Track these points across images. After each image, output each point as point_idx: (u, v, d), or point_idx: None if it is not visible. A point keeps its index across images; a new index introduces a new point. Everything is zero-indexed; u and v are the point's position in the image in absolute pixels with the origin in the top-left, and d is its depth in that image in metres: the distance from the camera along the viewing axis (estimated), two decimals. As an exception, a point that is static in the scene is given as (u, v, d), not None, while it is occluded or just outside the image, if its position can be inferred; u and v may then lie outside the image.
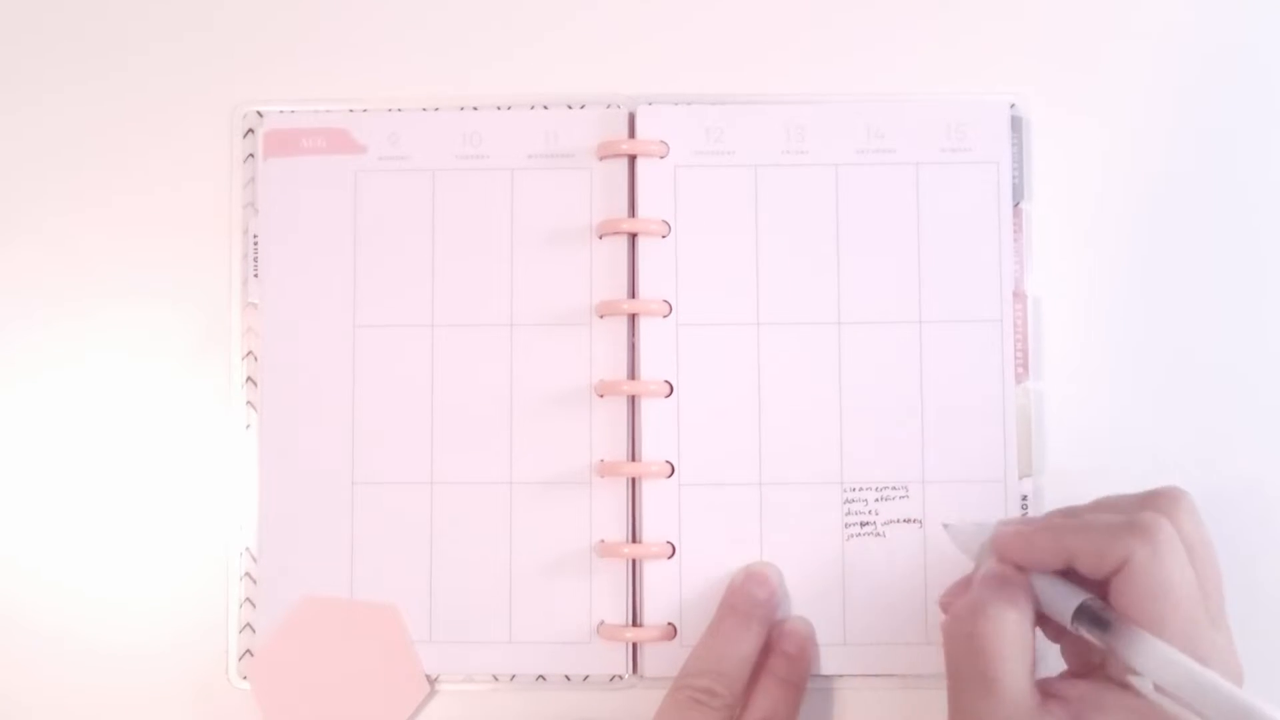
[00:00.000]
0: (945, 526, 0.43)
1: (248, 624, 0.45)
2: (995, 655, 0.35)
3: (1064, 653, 0.39)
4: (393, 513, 0.45)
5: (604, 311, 0.45)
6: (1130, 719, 0.34)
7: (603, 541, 0.45)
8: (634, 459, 0.45)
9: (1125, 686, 0.35)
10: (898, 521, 0.45)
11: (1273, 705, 0.31)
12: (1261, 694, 0.32)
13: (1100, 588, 0.36)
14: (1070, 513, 0.40)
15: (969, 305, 0.45)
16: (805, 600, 0.44)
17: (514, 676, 0.45)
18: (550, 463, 0.45)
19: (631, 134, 0.46)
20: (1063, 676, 0.38)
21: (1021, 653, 0.36)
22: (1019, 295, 0.45)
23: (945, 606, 0.41)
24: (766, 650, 0.43)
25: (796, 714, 0.43)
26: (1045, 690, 0.36)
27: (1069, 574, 0.37)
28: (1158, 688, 0.34)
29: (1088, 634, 0.36)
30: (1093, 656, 0.38)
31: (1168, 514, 0.37)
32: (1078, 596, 0.37)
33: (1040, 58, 0.47)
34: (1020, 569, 0.38)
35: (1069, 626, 0.37)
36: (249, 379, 0.46)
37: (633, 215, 0.46)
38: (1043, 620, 0.38)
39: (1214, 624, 0.36)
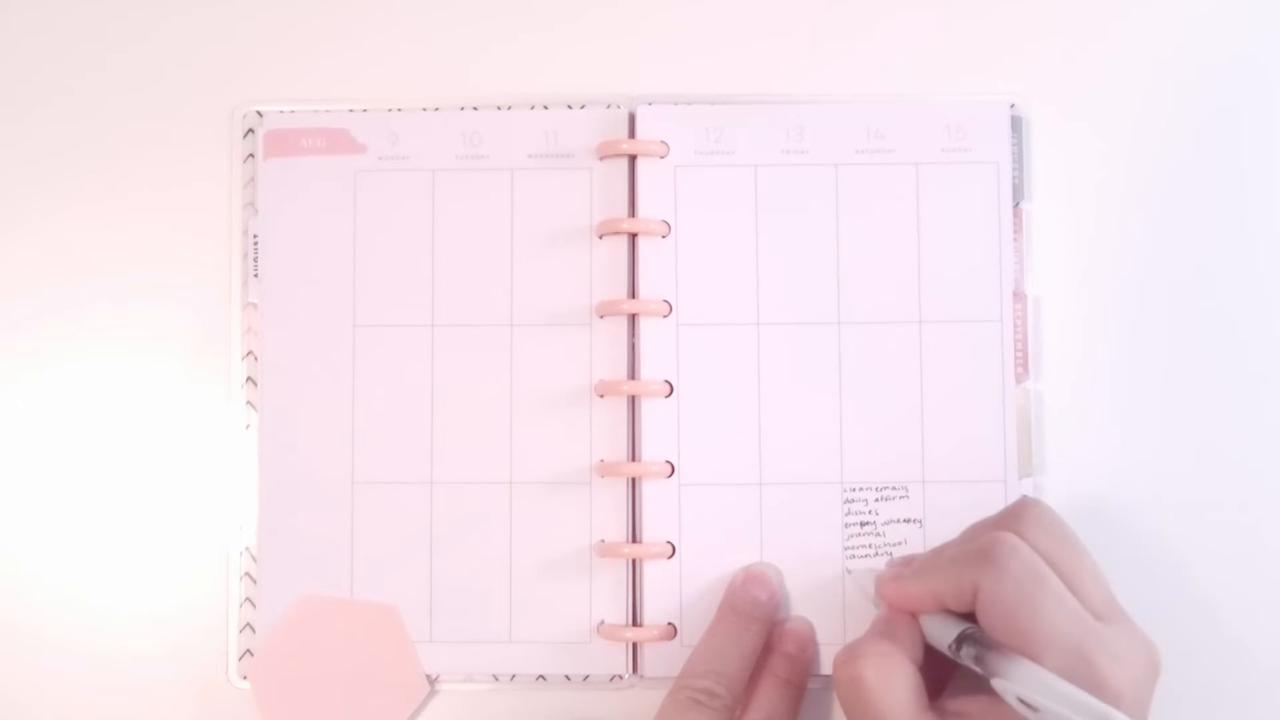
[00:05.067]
0: (849, 572, 0.44)
1: (248, 624, 0.45)
2: (874, 693, 0.37)
3: None
4: (393, 513, 0.45)
5: (604, 311, 0.45)
6: None
7: (603, 541, 0.45)
8: (634, 459, 0.45)
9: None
10: (897, 521, 0.45)
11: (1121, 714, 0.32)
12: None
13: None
14: (939, 550, 0.41)
15: (969, 305, 0.45)
16: (805, 600, 0.45)
17: (514, 676, 0.45)
18: (550, 463, 0.45)
19: (631, 134, 0.46)
20: (966, 692, 0.38)
21: (901, 685, 0.37)
22: (1019, 295, 0.45)
23: None
24: (767, 650, 0.43)
25: (797, 714, 0.43)
26: (945, 708, 0.37)
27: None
28: (1021, 700, 0.34)
29: (973, 665, 0.37)
30: None
31: (1014, 529, 0.38)
32: (955, 630, 0.38)
33: (1040, 58, 0.47)
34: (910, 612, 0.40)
35: (958, 661, 0.37)
36: (249, 379, 0.46)
37: (633, 215, 0.46)
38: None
39: (1102, 617, 0.36)
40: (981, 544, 0.37)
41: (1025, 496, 0.40)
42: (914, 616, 0.40)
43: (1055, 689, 0.33)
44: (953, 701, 0.38)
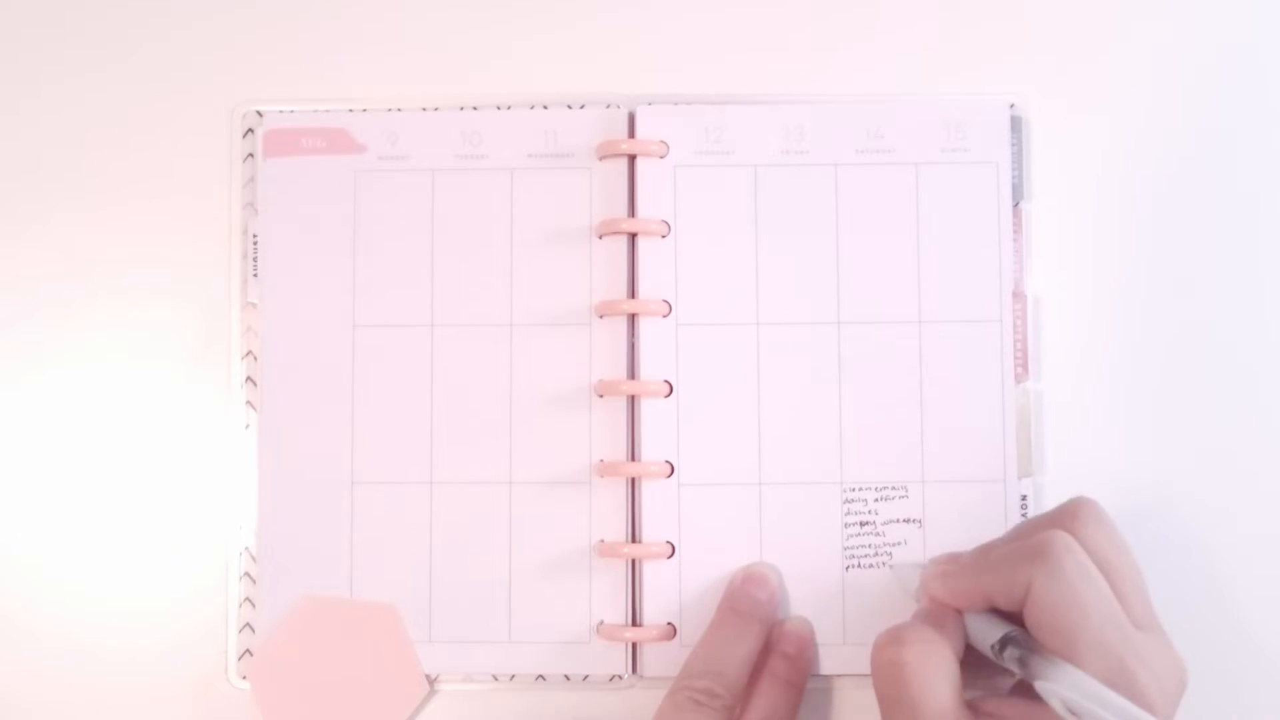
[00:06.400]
0: (891, 568, 0.44)
1: (247, 624, 0.45)
2: (914, 679, 0.36)
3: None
4: (393, 513, 0.45)
5: (604, 311, 0.45)
6: None
7: (602, 541, 0.45)
8: (634, 459, 0.45)
9: None
10: (897, 521, 0.45)
11: None
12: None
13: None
14: (988, 548, 0.40)
15: (969, 305, 0.45)
16: (805, 600, 0.44)
17: (514, 676, 0.45)
18: (550, 463, 0.45)
19: (631, 134, 0.46)
20: (1001, 694, 0.38)
21: (942, 676, 0.36)
22: (1019, 295, 0.45)
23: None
24: (766, 650, 0.43)
25: (796, 714, 0.43)
26: (979, 709, 0.37)
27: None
28: (1068, 707, 0.34)
29: (1015, 668, 0.36)
30: None
31: (1068, 528, 0.37)
32: (999, 631, 0.37)
33: (1040, 57, 0.47)
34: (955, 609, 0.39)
35: (999, 662, 0.37)
36: (249, 379, 0.46)
37: (632, 215, 0.46)
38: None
39: (1141, 626, 0.36)
40: (1035, 542, 0.37)
41: (1080, 497, 0.39)
42: (959, 613, 0.39)
43: (1104, 698, 0.33)
44: (985, 703, 0.37)
